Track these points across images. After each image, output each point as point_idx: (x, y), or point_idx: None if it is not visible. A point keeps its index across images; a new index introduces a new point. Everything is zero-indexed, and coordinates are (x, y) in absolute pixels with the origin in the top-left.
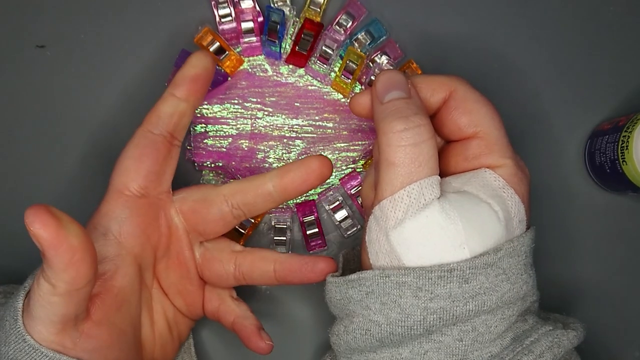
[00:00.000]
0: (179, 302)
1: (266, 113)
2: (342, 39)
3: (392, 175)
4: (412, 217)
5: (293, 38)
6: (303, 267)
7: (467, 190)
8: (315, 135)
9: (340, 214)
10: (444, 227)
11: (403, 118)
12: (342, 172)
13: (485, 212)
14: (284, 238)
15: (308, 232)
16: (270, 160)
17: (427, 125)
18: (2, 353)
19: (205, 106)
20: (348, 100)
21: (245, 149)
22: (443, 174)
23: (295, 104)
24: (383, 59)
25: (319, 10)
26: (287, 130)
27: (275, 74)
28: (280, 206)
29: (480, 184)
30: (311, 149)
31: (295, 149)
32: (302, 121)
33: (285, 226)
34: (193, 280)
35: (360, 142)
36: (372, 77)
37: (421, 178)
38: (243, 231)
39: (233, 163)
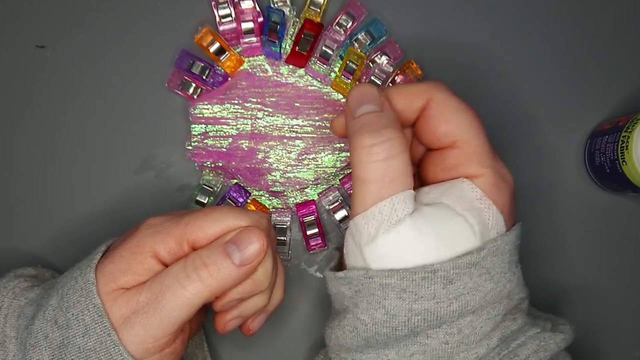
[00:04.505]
0: None
1: (266, 113)
2: (342, 39)
3: (364, 192)
4: (384, 233)
5: (293, 38)
6: None
7: (443, 202)
8: (315, 135)
9: (340, 214)
10: (415, 244)
11: (372, 132)
12: (342, 172)
13: (460, 226)
14: (284, 238)
15: (308, 232)
16: (271, 160)
17: (397, 139)
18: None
19: (205, 106)
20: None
21: (245, 149)
22: (424, 182)
23: (295, 104)
24: (383, 59)
25: (319, 10)
26: (287, 130)
27: (275, 74)
28: (281, 206)
29: (457, 195)
30: (311, 149)
31: (295, 149)
32: (302, 121)
33: (285, 226)
34: None
35: None
36: (372, 78)
37: (393, 194)
38: None
39: (233, 163)
